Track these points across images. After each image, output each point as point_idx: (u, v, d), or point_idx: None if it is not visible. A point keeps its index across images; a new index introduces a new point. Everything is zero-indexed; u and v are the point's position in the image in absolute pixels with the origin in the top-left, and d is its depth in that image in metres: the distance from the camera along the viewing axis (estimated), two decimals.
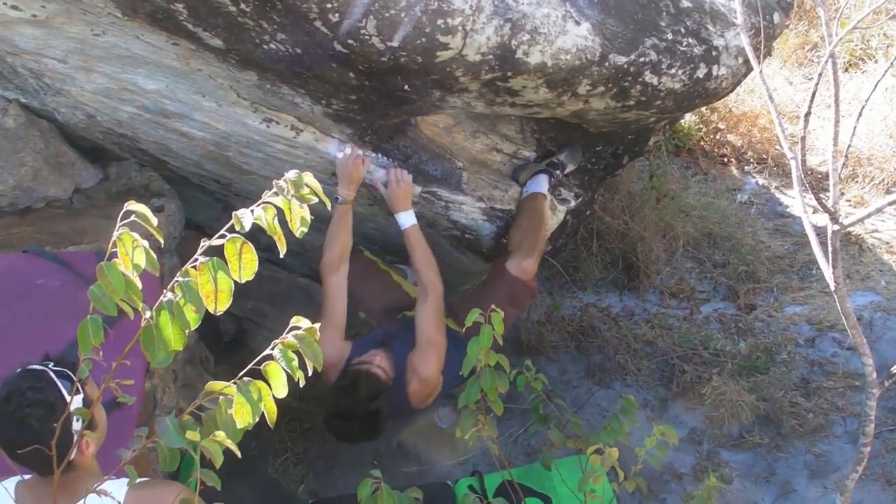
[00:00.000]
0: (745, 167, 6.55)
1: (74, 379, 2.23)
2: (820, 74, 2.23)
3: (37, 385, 2.29)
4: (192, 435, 1.71)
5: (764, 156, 6.56)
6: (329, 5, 2.84)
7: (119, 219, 1.65)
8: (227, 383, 1.74)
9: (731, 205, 6.11)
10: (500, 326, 2.70)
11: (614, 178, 5.28)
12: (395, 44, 3.00)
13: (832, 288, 2.67)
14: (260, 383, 1.74)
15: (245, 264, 1.69)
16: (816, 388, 4.64)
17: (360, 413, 3.61)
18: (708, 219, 5.85)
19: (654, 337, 5.05)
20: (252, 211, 1.69)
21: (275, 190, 1.74)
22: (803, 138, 2.33)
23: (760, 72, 2.62)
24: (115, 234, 1.64)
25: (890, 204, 2.43)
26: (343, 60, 3.11)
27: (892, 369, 2.90)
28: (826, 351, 4.89)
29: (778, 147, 6.52)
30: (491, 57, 3.21)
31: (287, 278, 4.79)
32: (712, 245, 5.76)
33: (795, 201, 6.13)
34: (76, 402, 2.24)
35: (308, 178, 1.78)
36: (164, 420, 1.71)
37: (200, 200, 4.71)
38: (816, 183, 6.08)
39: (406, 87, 3.28)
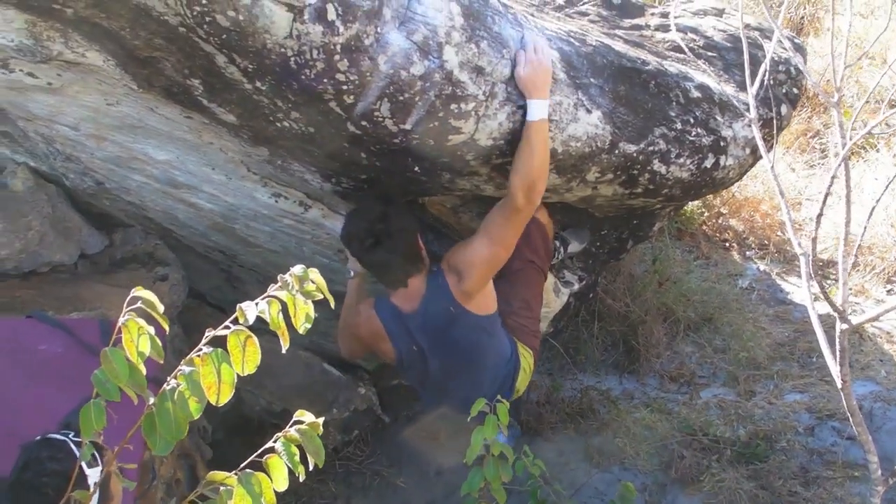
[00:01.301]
0: (747, 252, 6.55)
1: (95, 452, 2.24)
2: (833, 177, 2.24)
3: (56, 455, 2.31)
4: None
5: (765, 241, 6.57)
6: (344, 87, 2.86)
7: (126, 304, 1.65)
8: (227, 474, 1.73)
9: (733, 290, 6.09)
10: (505, 417, 2.70)
11: (617, 261, 5.29)
12: (407, 126, 3.02)
13: (839, 385, 2.67)
14: (261, 476, 1.73)
15: (248, 357, 1.70)
16: (816, 478, 4.58)
17: (374, 212, 3.51)
18: (709, 304, 5.83)
19: (654, 421, 5.00)
20: (256, 304, 1.69)
21: (280, 284, 1.74)
22: (814, 239, 2.34)
23: (772, 167, 2.64)
24: (121, 320, 1.64)
25: None
26: (355, 140, 3.13)
27: None
28: (826, 440, 4.84)
29: (779, 234, 6.53)
30: (502, 142, 3.23)
31: (289, 350, 4.74)
32: (713, 330, 5.73)
33: (797, 289, 6.13)
34: (94, 475, 2.24)
35: (314, 274, 1.78)
36: None
37: (204, 270, 4.71)
38: (818, 270, 6.08)
39: (416, 168, 3.30)
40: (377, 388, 4.93)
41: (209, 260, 4.64)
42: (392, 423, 5.01)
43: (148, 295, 1.68)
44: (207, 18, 2.63)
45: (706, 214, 6.70)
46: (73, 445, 2.33)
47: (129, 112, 3.47)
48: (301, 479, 1.75)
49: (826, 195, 2.34)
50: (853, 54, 6.80)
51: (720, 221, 6.73)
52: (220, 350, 1.66)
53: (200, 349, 1.66)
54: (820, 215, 2.36)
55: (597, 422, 5.04)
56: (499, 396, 3.05)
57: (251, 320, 1.67)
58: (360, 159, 3.27)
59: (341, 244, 3.90)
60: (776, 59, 4.10)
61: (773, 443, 4.79)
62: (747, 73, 2.93)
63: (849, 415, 2.78)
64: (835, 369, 2.66)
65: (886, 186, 2.55)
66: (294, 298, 1.73)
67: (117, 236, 4.41)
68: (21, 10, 2.93)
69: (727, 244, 6.61)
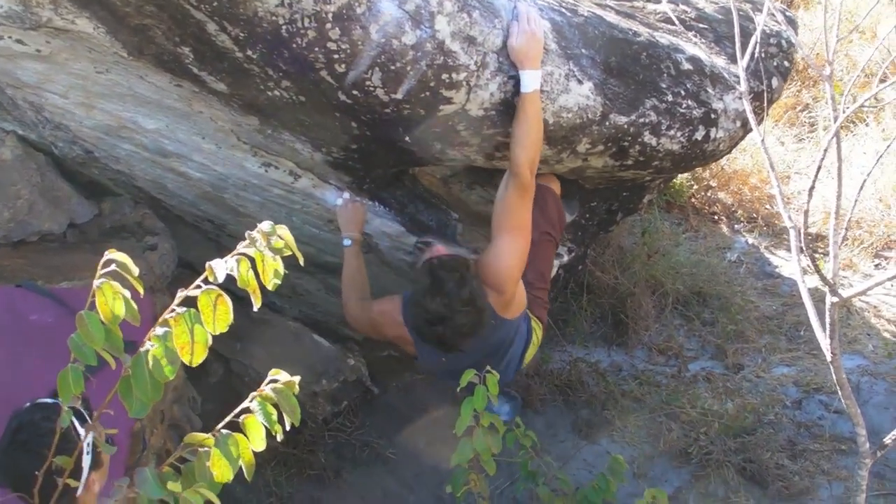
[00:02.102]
0: (735, 225, 6.56)
1: (86, 415, 2.25)
2: (825, 150, 2.24)
3: (50, 416, 2.32)
4: (174, 486, 1.70)
5: (754, 215, 6.58)
6: (336, 56, 2.84)
7: (100, 267, 1.65)
8: (206, 435, 1.72)
9: (721, 263, 6.10)
10: (495, 387, 2.70)
11: (607, 234, 5.29)
12: (399, 96, 3.01)
13: (828, 359, 2.68)
14: (238, 436, 1.72)
15: (219, 316, 1.68)
16: (803, 451, 4.61)
17: (457, 302, 3.39)
18: (698, 276, 5.84)
19: (642, 394, 5.02)
20: (226, 262, 1.68)
21: (248, 241, 1.73)
22: (806, 212, 2.34)
23: (763, 140, 2.64)
24: (96, 283, 1.63)
25: (889, 280, 2.44)
26: (346, 110, 3.11)
27: (884, 440, 2.90)
28: (813, 413, 4.87)
29: (768, 207, 6.54)
30: (493, 112, 3.23)
31: (278, 321, 4.75)
32: (701, 303, 5.74)
33: (785, 262, 6.14)
34: (89, 436, 2.24)
35: (282, 229, 1.77)
36: (144, 471, 1.70)
37: (193, 239, 4.69)
38: (807, 243, 6.09)
39: (407, 138, 3.29)
40: (367, 359, 4.93)
41: (199, 229, 4.62)
42: (382, 394, 5.01)
43: (122, 258, 1.66)
44: None
45: (695, 187, 6.71)
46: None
47: (119, 80, 3.45)
48: (279, 439, 1.75)
49: (818, 168, 2.34)
50: (844, 28, 6.80)
51: (709, 194, 6.74)
52: (192, 310, 1.66)
53: (173, 310, 1.66)
54: (812, 188, 2.36)
55: (585, 394, 5.06)
56: (489, 368, 3.05)
57: (221, 278, 1.65)
58: (350, 129, 3.26)
59: (331, 214, 3.89)
60: (768, 31, 4.09)
61: (761, 416, 4.82)
62: (738, 45, 2.92)
63: (837, 388, 2.79)
64: (824, 342, 2.67)
65: (877, 161, 2.55)
66: (262, 255, 1.72)
67: (106, 205, 4.39)
68: None
69: (716, 217, 6.62)
